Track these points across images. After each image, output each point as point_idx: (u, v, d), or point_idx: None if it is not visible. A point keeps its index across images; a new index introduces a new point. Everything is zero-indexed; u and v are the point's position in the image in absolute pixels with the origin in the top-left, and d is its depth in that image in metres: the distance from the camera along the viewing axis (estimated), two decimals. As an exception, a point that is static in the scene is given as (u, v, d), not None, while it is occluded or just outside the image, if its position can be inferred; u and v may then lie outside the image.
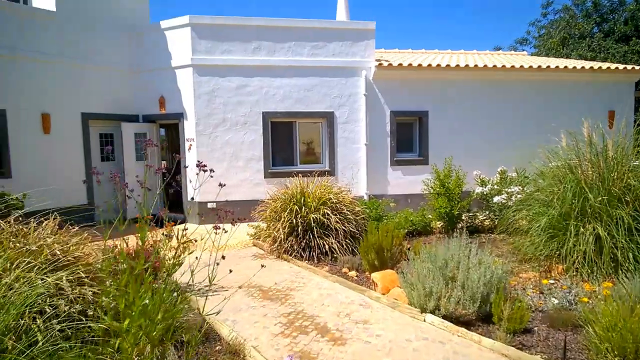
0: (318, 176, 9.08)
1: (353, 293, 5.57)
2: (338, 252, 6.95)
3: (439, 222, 8.69)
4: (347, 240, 7.12)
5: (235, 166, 10.13)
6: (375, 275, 5.68)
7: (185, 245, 5.97)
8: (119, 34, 10.23)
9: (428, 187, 8.54)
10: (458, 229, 5.84)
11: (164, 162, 17.33)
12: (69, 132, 9.29)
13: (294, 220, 7.05)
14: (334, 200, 7.31)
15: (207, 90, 9.89)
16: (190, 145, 9.98)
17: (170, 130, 15.08)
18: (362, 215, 7.56)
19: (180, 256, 5.83)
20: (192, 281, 3.72)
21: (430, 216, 8.71)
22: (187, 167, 10.19)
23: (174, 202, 11.08)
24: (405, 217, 8.44)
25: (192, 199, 10.12)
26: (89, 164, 9.69)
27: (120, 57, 10.25)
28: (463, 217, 8.45)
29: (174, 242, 5.91)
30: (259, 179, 10.23)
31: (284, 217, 7.13)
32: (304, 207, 7.21)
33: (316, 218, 7.07)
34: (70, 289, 3.41)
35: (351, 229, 7.20)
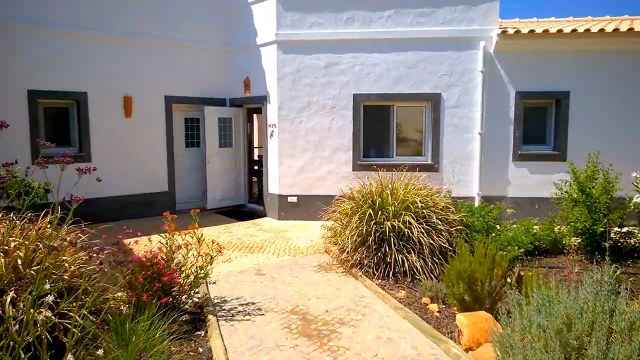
0: (418, 171, 7.52)
1: (425, 342, 4.01)
2: (421, 272, 5.37)
3: (575, 238, 6.47)
4: (434, 258, 5.48)
5: (320, 156, 8.97)
6: (461, 319, 4.02)
7: (209, 253, 4.97)
8: (207, 12, 9.74)
9: (561, 192, 6.37)
10: (603, 251, 3.85)
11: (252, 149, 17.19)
12: (151, 116, 9.07)
13: (366, 228, 5.62)
14: (421, 205, 5.68)
15: (292, 70, 8.86)
16: (272, 131, 9.08)
17: (256, 115, 14.64)
18: (458, 226, 5.80)
19: (206, 267, 4.86)
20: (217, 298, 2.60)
21: (562, 229, 6.53)
22: (266, 156, 9.35)
23: (253, 192, 10.38)
24: (526, 229, 6.40)
25: (272, 191, 9.25)
26: (171, 150, 9.39)
27: (208, 37, 9.76)
28: (612, 235, 6.11)
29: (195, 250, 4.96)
30: (346, 171, 8.94)
31: (354, 223, 5.74)
32: (380, 212, 5.73)
33: (394, 227, 5.55)
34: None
35: (442, 242, 5.53)
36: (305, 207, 9.02)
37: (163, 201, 9.35)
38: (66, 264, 3.57)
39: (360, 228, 5.65)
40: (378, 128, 9.19)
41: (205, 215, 9.37)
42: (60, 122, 8.31)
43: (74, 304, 3.35)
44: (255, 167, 13.08)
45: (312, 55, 8.85)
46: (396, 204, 5.75)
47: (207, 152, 9.56)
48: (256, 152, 17.54)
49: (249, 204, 10.37)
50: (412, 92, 8.84)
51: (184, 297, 4.52)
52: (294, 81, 8.88)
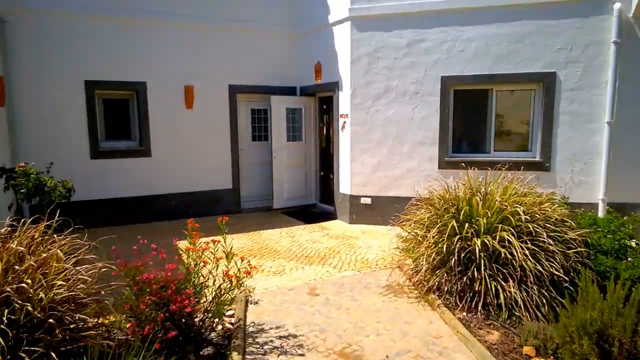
0: (522, 170, 6.10)
1: None
2: (522, 308, 4.04)
3: None
4: (543, 289, 4.10)
5: (400, 152, 7.77)
6: (584, 396, 2.70)
7: (236, 275, 4.03)
8: (276, -8, 9.02)
9: None
10: None
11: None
12: (214, 107, 8.55)
13: (447, 245, 4.39)
14: (525, 218, 4.31)
15: (367, 51, 7.76)
16: (344, 123, 8.07)
17: (327, 105, 13.82)
18: (579, 248, 4.33)
19: (232, 291, 3.98)
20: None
21: None
22: (337, 151, 8.35)
23: (324, 190, 9.44)
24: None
25: (344, 191, 8.24)
26: (235, 144, 8.81)
27: (275, 19, 9.02)
28: None
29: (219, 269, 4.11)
30: (431, 169, 7.65)
31: (432, 237, 4.54)
32: (468, 224, 4.46)
33: (487, 245, 4.26)
34: None
35: (554, 269, 4.12)
36: (380, 210, 7.90)
37: (227, 199, 8.81)
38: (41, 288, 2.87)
39: (441, 245, 4.43)
40: (471, 117, 7.76)
41: (271, 216, 8.66)
42: (121, 115, 8.09)
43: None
44: (331, 164, 12.20)
45: (392, 32, 7.66)
46: (490, 214, 4.44)
47: (274, 146, 8.82)
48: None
49: (320, 204, 9.49)
50: (517, 73, 7.27)
51: (202, 329, 3.68)
52: (369, 64, 7.78)
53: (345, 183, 8.20)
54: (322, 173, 9.52)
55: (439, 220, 4.64)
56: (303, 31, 9.10)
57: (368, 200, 7.97)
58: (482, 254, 4.24)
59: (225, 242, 4.01)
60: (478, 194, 4.69)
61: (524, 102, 7.60)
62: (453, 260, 4.30)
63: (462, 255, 4.36)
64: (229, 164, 8.79)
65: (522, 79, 7.33)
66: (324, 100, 9.39)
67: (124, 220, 7.86)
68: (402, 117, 7.72)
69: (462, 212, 4.54)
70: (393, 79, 7.70)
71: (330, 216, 8.62)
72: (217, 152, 8.65)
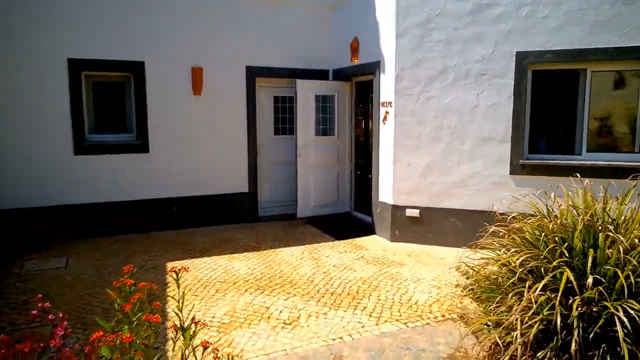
0: (630, 179, 4.30)
1: None
2: None
3: None
4: None
5: (459, 151, 6.00)
6: None
7: None
8: (306, -46, 7.37)
9: None
10: None
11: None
12: (228, 93, 7.03)
13: (557, 310, 2.65)
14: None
15: (418, 21, 6.00)
16: (386, 113, 6.36)
17: (365, 91, 12.18)
18: None
19: None
20: None
21: None
22: (376, 148, 6.64)
23: (361, 196, 7.78)
24: None
25: (384, 199, 6.54)
26: (253, 138, 7.26)
27: (306, -12, 7.40)
28: None
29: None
30: (499, 174, 5.84)
31: (528, 295, 2.80)
32: (592, 275, 2.71)
33: (633, 317, 2.50)
34: None
35: None
36: (431, 225, 6.17)
37: (242, 205, 7.29)
38: None
39: (548, 312, 2.69)
40: (556, 107, 5.87)
41: (293, 227, 7.08)
42: (114, 102, 6.68)
43: None
44: (369, 163, 10.49)
45: (451, -5, 5.89)
46: (633, 261, 2.67)
47: (299, 141, 7.22)
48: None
49: (355, 212, 7.82)
50: (622, 47, 5.35)
51: None
52: (420, 37, 6.02)
53: (387, 189, 6.49)
54: (358, 173, 7.86)
55: (540, 265, 2.90)
56: (338, 1, 7.42)
57: (415, 213, 6.24)
58: (624, 331, 2.50)
59: (181, 309, 2.34)
60: (608, 225, 2.91)
61: (630, 88, 5.66)
62: (573, 341, 2.56)
63: (582, 325, 2.63)
64: (245, 163, 7.26)
65: (630, 55, 5.40)
66: (362, 85, 7.69)
67: (115, 229, 6.47)
68: (463, 105, 5.93)
69: (578, 254, 2.79)
70: (451, 56, 5.91)
71: (366, 230, 6.94)
72: (230, 148, 7.13)
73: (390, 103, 6.30)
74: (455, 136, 6.00)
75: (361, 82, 7.50)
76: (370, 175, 7.12)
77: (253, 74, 7.15)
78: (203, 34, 6.77)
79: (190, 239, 6.38)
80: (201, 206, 7.00)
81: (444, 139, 6.06)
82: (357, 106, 7.84)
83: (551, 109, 5.86)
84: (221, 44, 6.90)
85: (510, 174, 5.79)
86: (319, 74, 7.62)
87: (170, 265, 5.26)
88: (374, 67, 6.59)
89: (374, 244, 6.30)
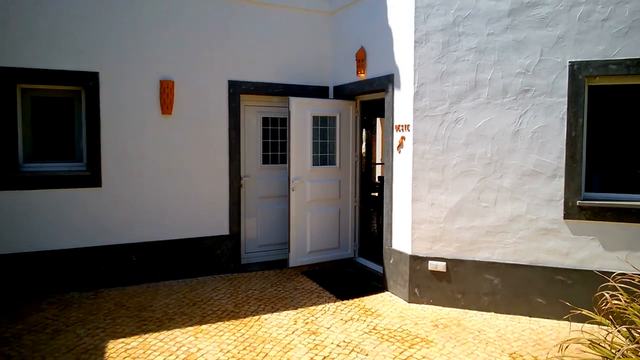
0: None
1: None
2: None
3: None
4: None
5: (495, 186, 4.70)
6: None
7: None
8: (303, -49, 6.22)
9: None
10: None
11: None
12: (205, 113, 5.75)
13: None
14: None
15: (442, 24, 4.80)
16: (402, 139, 5.08)
17: (373, 112, 11.08)
18: None
19: None
20: None
21: None
22: (388, 183, 5.32)
23: (368, 239, 6.44)
24: None
25: (400, 247, 5.20)
26: (236, 168, 5.95)
27: (302, -10, 6.23)
28: None
29: None
30: (550, 219, 4.53)
31: None
32: None
33: None
34: None
35: None
36: (462, 282, 4.82)
37: (221, 251, 5.91)
38: None
39: None
40: (620, 132, 4.62)
41: (284, 280, 5.69)
42: (61, 123, 5.37)
43: None
44: (376, 195, 9.18)
45: (484, -8, 4.70)
46: None
47: (293, 172, 5.91)
48: (378, 171, 13.64)
49: (360, 259, 6.47)
50: None
51: None
52: (446, 44, 4.81)
53: (403, 235, 5.17)
54: (361, 207, 6.54)
55: None
56: (340, 4, 6.24)
57: (440, 266, 4.91)
58: None
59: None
60: None
61: None
62: None
63: None
64: (226, 198, 5.92)
65: None
66: (369, 105, 6.46)
67: (52, 286, 5.04)
68: (500, 130, 4.67)
69: None
70: (485, 68, 4.68)
71: (376, 284, 5.58)
72: (207, 181, 5.80)
73: (407, 126, 5.03)
74: (491, 169, 4.71)
75: (368, 101, 6.25)
76: (379, 215, 5.79)
77: (237, 90, 5.89)
78: (174, 40, 5.52)
79: (150, 300, 4.96)
80: (169, 254, 5.62)
81: (476, 172, 4.77)
82: (362, 130, 6.58)
83: (615, 135, 4.60)
84: (197, 53, 5.64)
85: (564, 218, 4.47)
86: (318, 92, 6.38)
87: (112, 347, 3.85)
88: (386, 83, 5.35)
89: (388, 306, 4.91)
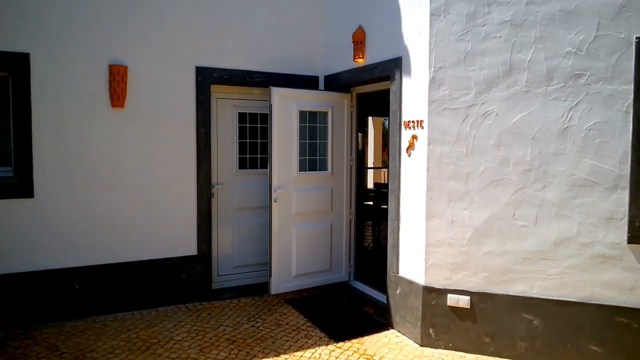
0: None
1: None
2: None
3: None
4: None
5: (536, 200, 3.63)
6: None
7: None
8: None
9: None
10: None
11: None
12: (168, 105, 4.61)
13: None
14: None
15: (467, -9, 3.75)
16: (414, 138, 4.00)
17: (373, 106, 9.92)
18: None
19: None
20: None
21: None
22: (395, 194, 4.22)
23: (363, 259, 5.36)
24: None
25: (409, 275, 4.11)
26: (206, 174, 4.81)
27: (288, -41, 5.12)
28: None
29: None
30: (610, 242, 3.47)
31: None
32: None
33: None
34: None
35: None
36: (490, 322, 3.75)
37: (187, 275, 4.77)
38: None
39: None
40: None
41: (264, 311, 4.58)
42: (-21, 117, 4.23)
43: None
44: (370, 203, 8.11)
45: (521, -51, 3.65)
46: None
47: (275, 180, 4.79)
48: (369, 176, 12.47)
49: (356, 282, 5.38)
50: None
51: None
52: (471, 17, 3.73)
53: (414, 259, 4.08)
54: (358, 220, 5.46)
55: None
56: (333, -24, 5.16)
57: (463, 301, 3.83)
58: None
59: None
60: None
61: None
62: None
63: None
64: (193, 211, 4.76)
65: None
66: (368, 98, 5.39)
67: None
68: (544, 127, 3.60)
69: None
70: (523, 48, 3.62)
71: (378, 318, 4.48)
72: (169, 189, 4.64)
73: (419, 123, 3.95)
74: (530, 177, 3.65)
75: (367, 93, 5.16)
76: (381, 233, 4.72)
77: (207, 78, 4.76)
78: (127, 14, 4.34)
79: (94, 342, 3.81)
80: (121, 280, 4.46)
81: (511, 181, 3.70)
82: (357, 128, 5.49)
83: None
84: (157, 31, 4.49)
85: (628, 242, 3.41)
86: (305, 82, 5.28)
87: None
88: (392, 68, 4.26)
89: (395, 351, 3.81)
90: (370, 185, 11.52)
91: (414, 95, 4.02)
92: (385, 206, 8.33)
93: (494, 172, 3.72)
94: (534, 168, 3.61)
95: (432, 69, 3.80)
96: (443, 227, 3.87)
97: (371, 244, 7.42)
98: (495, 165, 3.71)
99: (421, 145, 3.94)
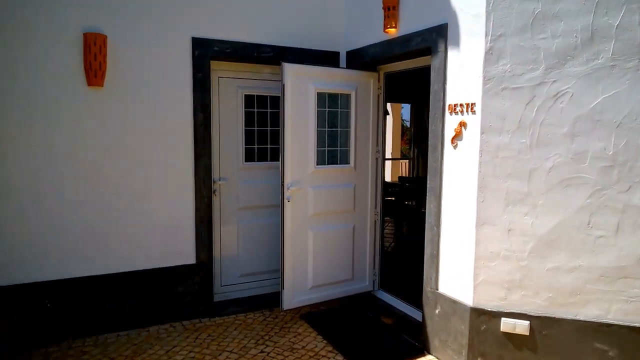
0: None
1: None
2: None
3: None
4: None
5: (619, 204, 2.88)
6: None
7: None
8: None
9: None
10: None
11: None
12: (157, 85, 3.87)
13: None
14: None
15: (534, -62, 2.97)
16: (461, 126, 3.25)
17: (407, 87, 9.26)
18: None
19: None
20: None
21: None
22: (434, 193, 3.47)
23: (388, 264, 4.65)
24: None
25: (451, 292, 3.38)
26: (205, 167, 4.10)
27: None
28: None
29: None
30: None
31: None
32: None
33: None
34: None
35: None
36: (557, 352, 3.01)
37: (185, 287, 4.07)
38: None
39: None
40: None
41: (275, 330, 3.87)
42: None
43: None
44: (392, 199, 7.36)
45: None
46: None
47: (288, 174, 4.07)
48: (388, 168, 11.60)
49: (381, 291, 4.67)
50: None
51: None
52: (537, -27, 2.97)
53: (459, 274, 3.33)
54: (388, 224, 4.73)
55: None
56: None
57: (521, 326, 3.10)
58: None
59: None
60: None
61: None
62: None
63: None
64: (190, 212, 4.05)
65: None
66: (399, 77, 4.63)
67: None
68: (633, 111, 2.83)
69: None
70: (608, 8, 2.82)
71: (410, 339, 3.75)
72: (161, 187, 3.92)
73: (470, 106, 3.20)
74: (613, 176, 2.89)
75: (397, 72, 4.38)
76: (396, 222, 4.01)
77: (206, 52, 4.01)
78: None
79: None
80: (105, 295, 3.77)
81: (587, 180, 2.95)
82: (385, 114, 4.74)
83: None
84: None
85: None
86: (324, 58, 4.51)
87: None
88: (434, 39, 3.48)
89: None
90: (387, 178, 10.79)
91: (463, 72, 3.25)
92: (409, 202, 7.66)
93: (566, 169, 2.96)
94: (617, 164, 2.85)
95: (490, 37, 3.03)
96: (498, 236, 3.14)
97: (392, 244, 6.70)
98: (567, 160, 2.96)
99: (472, 134, 3.19)
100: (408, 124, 16.30)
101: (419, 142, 9.17)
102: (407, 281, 4.87)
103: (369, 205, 4.58)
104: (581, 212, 2.96)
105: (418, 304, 3.93)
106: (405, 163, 11.26)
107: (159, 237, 3.95)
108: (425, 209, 3.69)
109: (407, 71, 4.31)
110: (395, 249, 6.57)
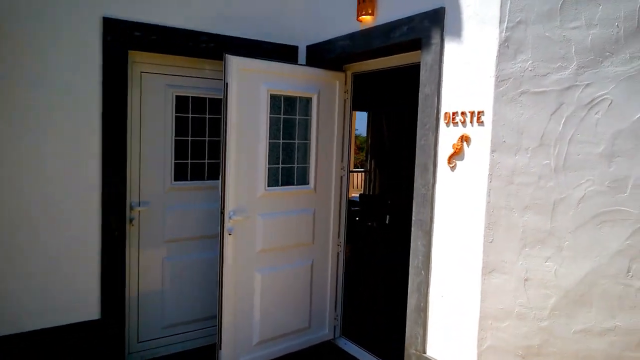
0: None
1: None
2: None
3: None
4: None
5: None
6: None
7: None
8: None
9: None
10: None
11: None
12: (49, 77, 2.85)
13: None
14: None
15: None
16: (462, 141, 2.50)
17: (383, 91, 8.63)
18: None
19: None
20: None
21: None
22: (422, 227, 2.68)
23: (354, 303, 3.84)
24: None
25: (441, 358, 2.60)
26: (119, 188, 3.09)
27: None
28: None
29: None
30: None
31: None
32: None
33: None
34: None
35: None
36: None
37: (85, 348, 3.03)
38: None
39: None
40: None
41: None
42: None
43: None
44: (356, 219, 6.62)
45: None
46: None
47: (230, 199, 3.14)
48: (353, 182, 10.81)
49: (343, 339, 3.83)
50: None
51: None
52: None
53: (457, 336, 2.53)
54: (346, 255, 3.90)
55: None
56: None
57: (549, 415, 2.39)
58: None
59: None
60: None
61: None
62: None
63: None
64: (95, 249, 3.00)
65: None
66: (371, 79, 3.89)
67: None
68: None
69: None
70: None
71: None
72: (54, 216, 2.85)
73: (477, 115, 2.45)
74: (664, 210, 2.23)
75: (366, 73, 3.60)
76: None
77: (123, 38, 3.03)
78: None
79: None
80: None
81: (627, 214, 2.25)
82: (351, 122, 3.94)
83: None
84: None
85: None
86: (278, 53, 3.65)
87: None
88: (426, 27, 2.71)
89: None
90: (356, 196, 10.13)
91: (465, 71, 2.51)
92: (371, 223, 6.89)
93: (601, 200, 2.27)
94: (669, 194, 2.19)
95: (506, 25, 2.30)
96: (511, 287, 2.39)
97: (354, 276, 5.84)
98: (603, 189, 2.26)
99: (477, 152, 2.44)
100: (358, 133, 15.71)
101: (375, 154, 8.57)
102: (374, 327, 4.06)
103: (331, 235, 3.73)
104: (619, 256, 2.26)
105: (392, 357, 3.12)
106: (360, 176, 10.62)
107: (49, 287, 2.88)
108: (388, 227, 2.90)
109: (372, 73, 3.54)
110: (358, 282, 5.71)
